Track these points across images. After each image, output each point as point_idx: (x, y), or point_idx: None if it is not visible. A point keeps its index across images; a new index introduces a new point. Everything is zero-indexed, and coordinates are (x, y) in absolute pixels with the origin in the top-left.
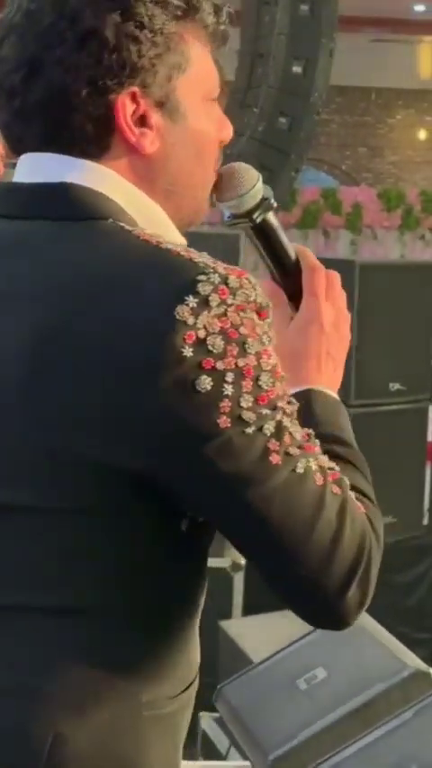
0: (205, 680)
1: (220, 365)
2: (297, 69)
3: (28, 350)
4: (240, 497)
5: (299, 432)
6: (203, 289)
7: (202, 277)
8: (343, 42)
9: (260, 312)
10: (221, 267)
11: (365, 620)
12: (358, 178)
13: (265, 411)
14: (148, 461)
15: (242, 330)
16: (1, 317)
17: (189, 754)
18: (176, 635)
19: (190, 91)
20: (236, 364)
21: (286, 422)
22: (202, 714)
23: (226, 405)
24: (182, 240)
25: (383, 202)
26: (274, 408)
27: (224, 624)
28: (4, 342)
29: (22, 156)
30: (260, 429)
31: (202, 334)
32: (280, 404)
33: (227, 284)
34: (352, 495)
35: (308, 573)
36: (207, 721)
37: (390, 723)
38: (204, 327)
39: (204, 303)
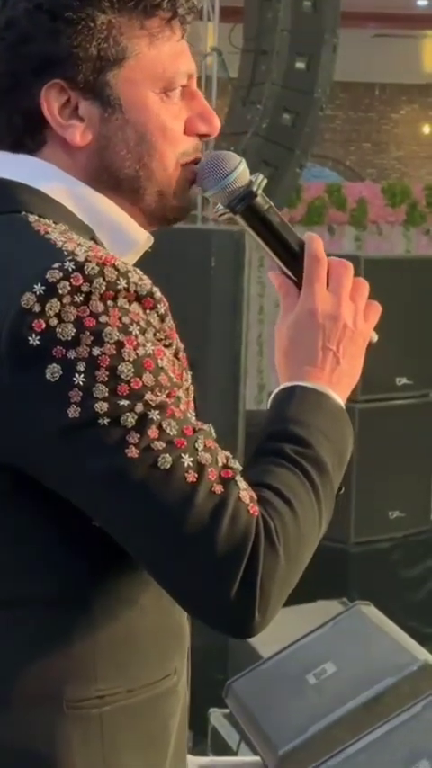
0: (215, 676)
1: (71, 354)
2: (300, 65)
3: None
4: (95, 491)
5: (174, 426)
6: (52, 276)
7: (55, 265)
8: (346, 38)
9: (141, 301)
10: (84, 255)
11: (374, 615)
12: (363, 174)
13: (124, 402)
14: (8, 454)
15: (102, 318)
16: None
17: (199, 750)
18: (106, 633)
19: (131, 82)
20: (89, 353)
21: (154, 414)
22: (212, 710)
23: (76, 394)
24: (136, 232)
25: (388, 198)
26: (139, 399)
27: None
28: None
29: None
30: (116, 420)
31: (53, 322)
32: (147, 396)
33: (82, 271)
34: (248, 495)
35: (180, 574)
36: (217, 717)
37: (399, 717)
38: (57, 315)
39: (52, 291)
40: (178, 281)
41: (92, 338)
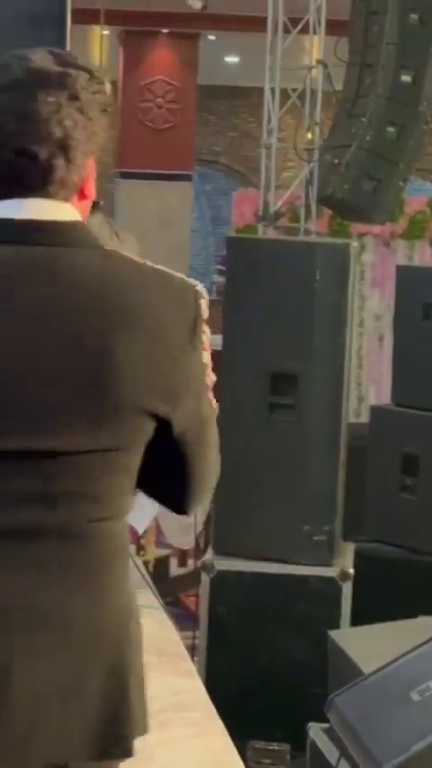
0: (314, 690)
1: (204, 342)
2: (406, 78)
3: (100, 335)
4: (203, 424)
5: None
6: (201, 288)
7: (192, 281)
8: None
9: None
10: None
11: None
12: None
13: (210, 372)
14: (171, 407)
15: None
16: (71, 318)
17: (297, 764)
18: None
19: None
20: (204, 342)
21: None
22: (310, 724)
23: (207, 369)
24: None
25: None
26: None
27: (333, 634)
28: (79, 330)
29: (11, 201)
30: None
31: (200, 320)
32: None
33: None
34: None
35: (208, 481)
36: (316, 731)
37: None
38: (201, 316)
39: (202, 298)
40: (283, 294)
41: (205, 332)
